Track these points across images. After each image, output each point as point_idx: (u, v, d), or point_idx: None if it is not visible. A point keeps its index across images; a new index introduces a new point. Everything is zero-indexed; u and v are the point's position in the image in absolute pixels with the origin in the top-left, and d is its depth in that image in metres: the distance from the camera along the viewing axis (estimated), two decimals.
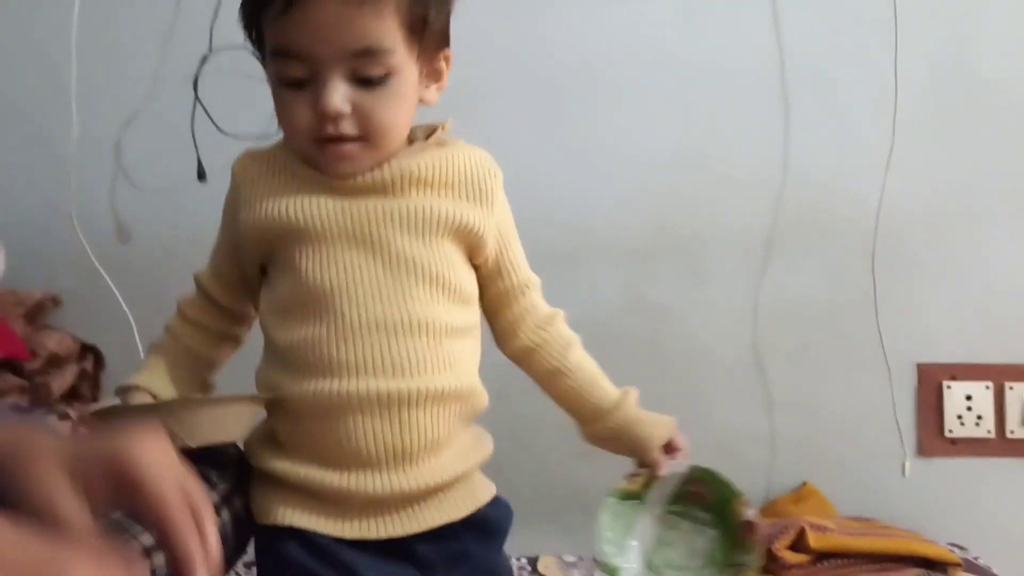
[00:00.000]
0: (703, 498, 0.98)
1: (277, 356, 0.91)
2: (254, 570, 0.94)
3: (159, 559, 0.82)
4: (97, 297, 1.60)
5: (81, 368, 1.53)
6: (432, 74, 0.92)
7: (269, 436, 0.93)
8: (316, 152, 0.89)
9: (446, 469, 0.90)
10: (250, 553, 0.95)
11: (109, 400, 0.94)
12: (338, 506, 0.88)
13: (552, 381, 1.01)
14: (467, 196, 0.93)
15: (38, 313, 1.53)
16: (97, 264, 1.59)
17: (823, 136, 1.59)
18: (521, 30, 1.60)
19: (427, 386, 0.87)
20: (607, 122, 1.61)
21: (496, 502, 0.95)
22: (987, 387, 1.56)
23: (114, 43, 1.62)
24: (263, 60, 0.92)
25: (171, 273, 1.63)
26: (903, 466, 1.57)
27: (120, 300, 1.59)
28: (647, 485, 0.98)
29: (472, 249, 0.94)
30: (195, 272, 1.01)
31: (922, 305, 1.58)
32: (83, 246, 1.59)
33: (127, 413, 0.88)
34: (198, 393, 0.98)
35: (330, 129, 0.86)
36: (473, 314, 0.96)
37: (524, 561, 1.42)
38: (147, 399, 0.92)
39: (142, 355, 1.56)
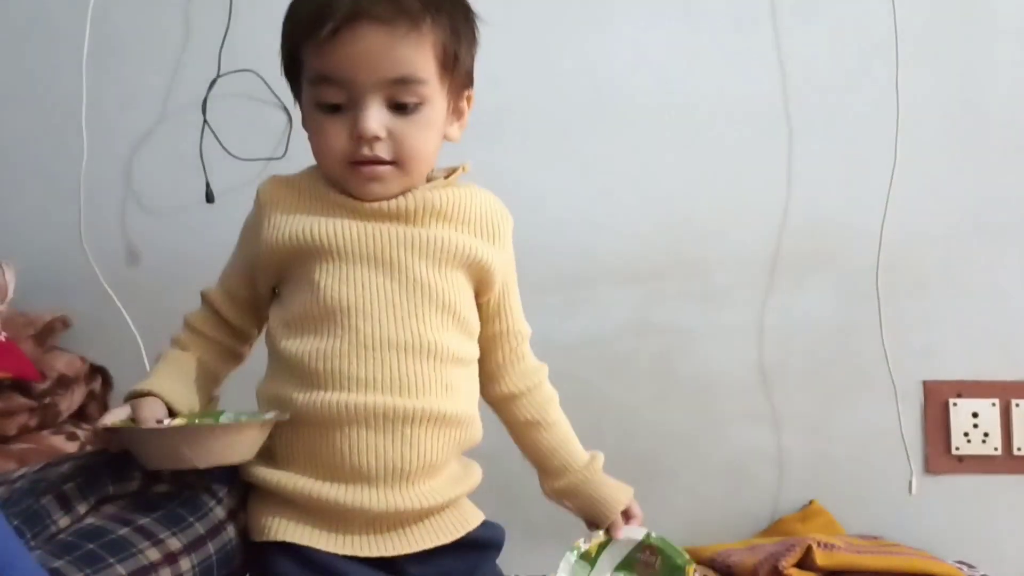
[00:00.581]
0: (651, 567, 1.01)
1: (285, 367, 0.94)
2: None
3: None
4: (106, 319, 1.61)
5: (89, 389, 1.53)
6: (456, 111, 0.98)
7: (264, 449, 0.94)
8: (348, 174, 0.93)
9: (438, 493, 0.93)
10: None
11: (120, 409, 0.92)
12: (331, 521, 0.90)
13: (528, 431, 1.05)
14: (482, 234, 0.97)
15: (48, 334, 1.54)
16: (106, 286, 1.60)
17: (827, 159, 1.61)
18: (533, 60, 1.63)
19: (430, 407, 0.91)
20: (616, 149, 1.63)
21: (485, 524, 0.98)
22: (993, 404, 1.56)
23: (124, 67, 1.64)
24: (295, 85, 0.97)
25: (179, 295, 1.63)
26: (910, 484, 1.56)
27: (129, 322, 1.60)
28: (601, 548, 1.01)
29: (480, 285, 0.98)
30: (204, 290, 1.02)
31: (928, 323, 1.58)
32: (92, 268, 1.60)
33: (140, 436, 0.88)
34: (207, 403, 0.99)
35: (365, 151, 0.91)
36: (475, 348, 1.00)
37: None
38: (159, 405, 0.92)
39: None
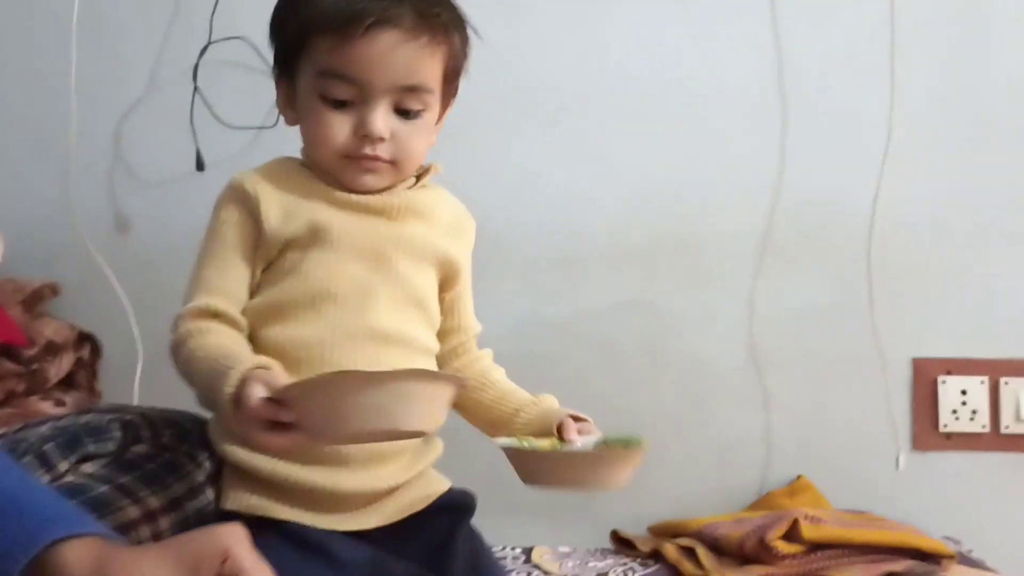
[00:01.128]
0: None
1: (262, 353, 0.91)
2: None
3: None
4: (95, 287, 1.61)
5: (78, 356, 1.53)
6: (439, 119, 1.02)
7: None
8: (344, 165, 0.95)
9: (408, 469, 0.97)
10: None
11: (234, 372, 0.81)
12: (307, 501, 0.92)
13: (471, 396, 1.04)
14: (451, 234, 1.03)
15: (36, 301, 1.54)
16: (95, 254, 1.59)
17: (820, 140, 1.60)
18: (521, 38, 1.61)
19: None
20: (606, 127, 1.62)
21: (452, 490, 1.01)
22: (982, 382, 1.56)
23: (113, 33, 1.63)
24: (287, 65, 0.98)
25: (169, 264, 1.65)
26: (897, 460, 1.57)
27: (118, 290, 1.59)
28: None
29: (445, 281, 1.03)
30: (206, 307, 0.92)
31: (918, 302, 1.58)
32: (81, 236, 1.60)
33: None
34: None
35: (367, 150, 0.94)
36: (435, 341, 1.03)
37: (519, 551, 1.43)
38: (278, 369, 0.85)
39: (138, 345, 1.58)
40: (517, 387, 1.06)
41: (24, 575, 0.60)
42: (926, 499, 1.54)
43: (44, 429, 0.89)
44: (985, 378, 1.56)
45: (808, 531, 1.31)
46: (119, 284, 1.59)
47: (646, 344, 1.62)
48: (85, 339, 1.56)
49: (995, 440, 1.56)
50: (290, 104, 0.99)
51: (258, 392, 0.78)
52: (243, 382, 0.80)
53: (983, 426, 1.56)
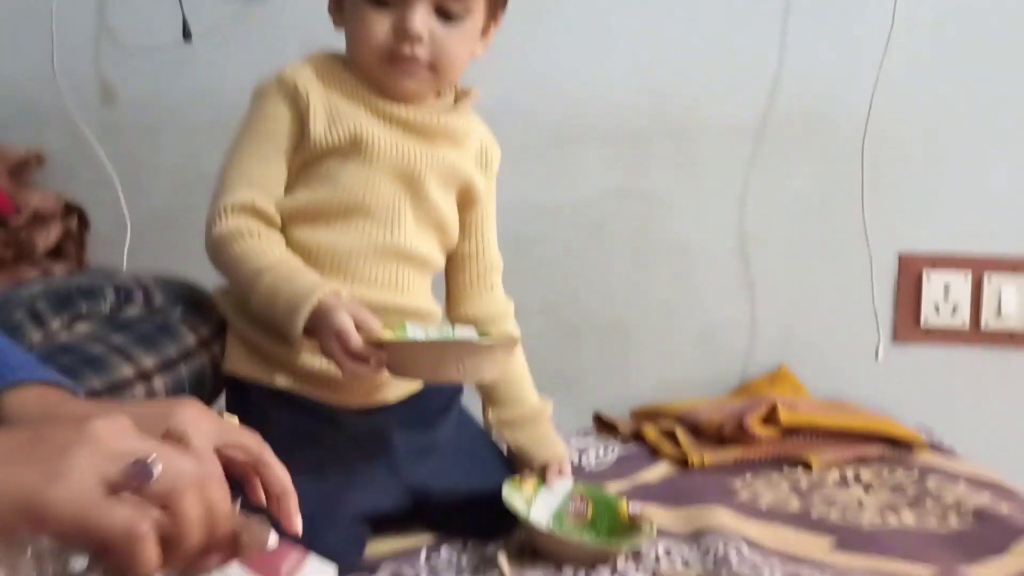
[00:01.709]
0: (582, 515, 1.02)
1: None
2: None
3: None
4: (81, 158, 1.59)
5: (66, 227, 1.52)
6: (486, 30, 1.02)
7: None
8: (384, 67, 0.96)
9: None
10: None
11: (366, 319, 0.87)
12: (320, 383, 0.95)
13: None
14: (477, 163, 1.06)
15: (22, 170, 1.52)
16: (81, 124, 1.57)
17: (820, 30, 1.57)
18: None
19: (414, 304, 1.00)
20: (607, 9, 1.58)
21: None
22: (966, 277, 1.58)
23: None
24: None
25: (156, 134, 1.62)
26: (876, 350, 1.60)
27: (105, 162, 1.57)
28: (535, 493, 1.01)
29: (464, 206, 1.05)
30: (251, 203, 0.93)
31: (909, 196, 1.58)
32: (66, 105, 1.56)
33: (418, 349, 0.86)
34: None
35: (406, 50, 0.94)
36: (443, 259, 1.07)
37: None
38: (347, 294, 0.90)
39: (126, 217, 1.57)
40: (525, 372, 1.08)
41: None
42: (903, 391, 1.57)
43: (36, 288, 0.89)
44: (969, 272, 1.57)
45: (785, 415, 1.34)
46: (106, 155, 1.57)
47: (635, 229, 1.62)
48: (72, 210, 1.55)
49: (973, 335, 1.59)
50: (338, 5, 1.00)
51: (349, 324, 0.84)
52: (325, 308, 0.85)
53: (963, 322, 1.58)
